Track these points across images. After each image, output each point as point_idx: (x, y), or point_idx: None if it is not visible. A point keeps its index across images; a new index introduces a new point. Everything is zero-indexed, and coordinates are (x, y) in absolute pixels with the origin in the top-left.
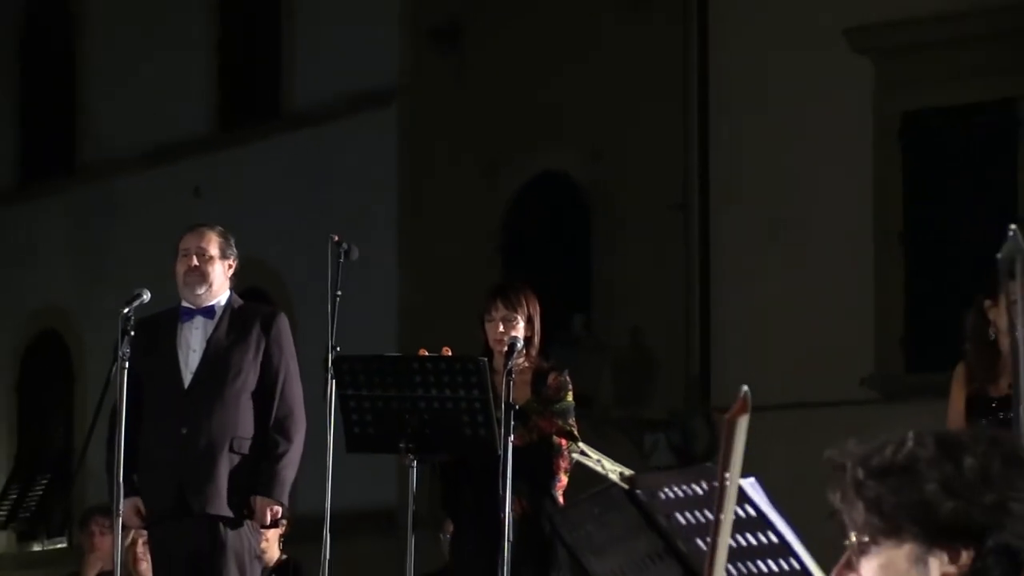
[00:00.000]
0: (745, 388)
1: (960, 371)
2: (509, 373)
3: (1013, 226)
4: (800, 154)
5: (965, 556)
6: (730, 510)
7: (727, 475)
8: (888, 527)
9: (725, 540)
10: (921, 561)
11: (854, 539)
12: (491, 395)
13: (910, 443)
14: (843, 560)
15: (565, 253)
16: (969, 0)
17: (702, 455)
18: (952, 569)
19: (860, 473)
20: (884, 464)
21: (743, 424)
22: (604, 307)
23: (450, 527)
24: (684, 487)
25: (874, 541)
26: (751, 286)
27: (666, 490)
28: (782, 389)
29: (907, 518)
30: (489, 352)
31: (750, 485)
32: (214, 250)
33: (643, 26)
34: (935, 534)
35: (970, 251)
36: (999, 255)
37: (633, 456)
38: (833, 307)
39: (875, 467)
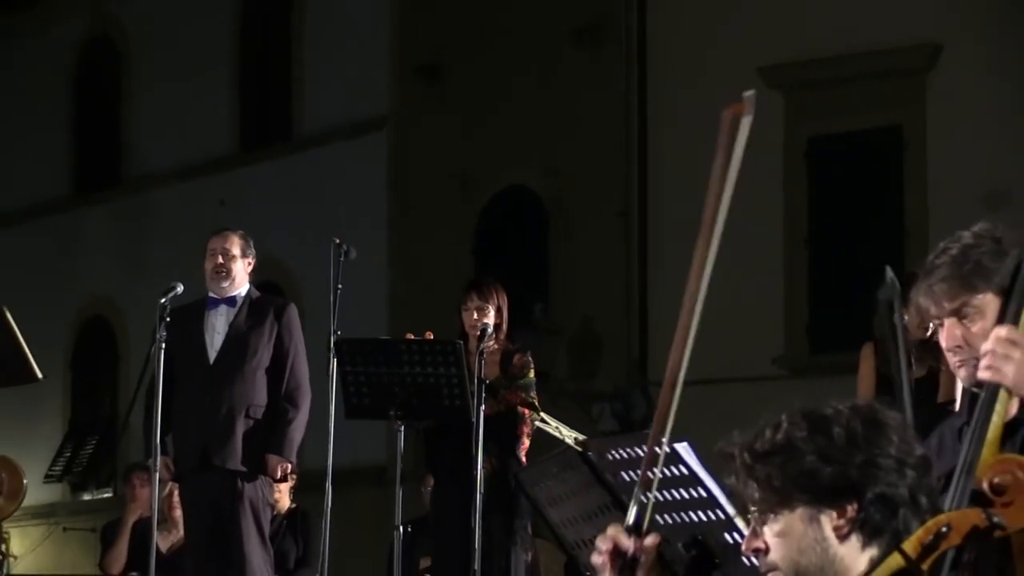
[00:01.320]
0: (750, 92)
1: (868, 350)
2: (481, 354)
3: (889, 270)
4: None
5: (850, 510)
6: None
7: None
8: (781, 499)
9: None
10: (814, 520)
11: (754, 512)
12: (466, 372)
13: (785, 424)
14: (749, 530)
15: (527, 252)
16: (864, 43)
17: (640, 422)
18: (841, 522)
19: (747, 458)
20: (767, 447)
21: (745, 124)
22: (560, 297)
23: (430, 481)
24: (627, 449)
25: (771, 511)
26: (681, 280)
27: (612, 452)
28: (707, 367)
29: (795, 488)
30: (464, 336)
31: (683, 448)
32: (236, 250)
33: (592, 64)
34: (821, 497)
35: (865, 253)
36: (878, 295)
37: (584, 423)
38: (750, 299)
39: (759, 451)
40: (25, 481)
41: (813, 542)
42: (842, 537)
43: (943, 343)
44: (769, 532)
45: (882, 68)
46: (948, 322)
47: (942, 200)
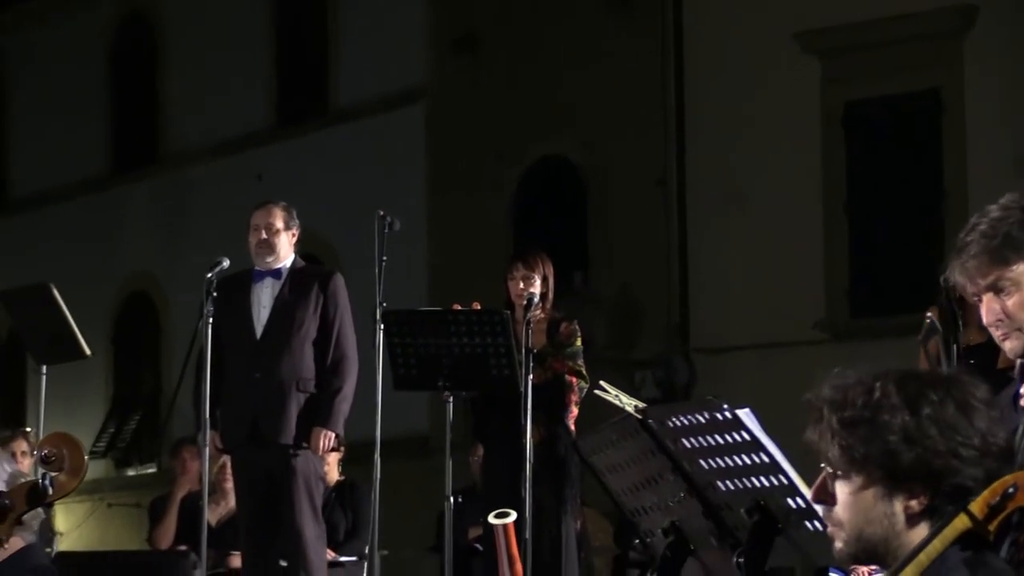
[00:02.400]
0: None
1: (931, 314)
2: (528, 323)
3: (930, 314)
4: (760, 137)
5: (923, 497)
6: None
7: None
8: (858, 469)
9: None
10: (886, 497)
11: (830, 468)
12: (513, 341)
13: (877, 393)
14: (819, 481)
15: (565, 222)
16: (899, 6)
17: (682, 388)
18: (912, 504)
19: (834, 422)
20: (855, 416)
21: None
22: (599, 266)
23: (479, 451)
24: (689, 416)
25: (847, 474)
26: (720, 247)
27: (674, 419)
28: (748, 332)
29: (874, 465)
30: (511, 305)
31: (745, 414)
32: (279, 223)
33: (626, 34)
34: (897, 478)
35: (904, 218)
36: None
37: (625, 390)
38: (789, 264)
39: (847, 418)
40: (86, 457)
41: (882, 515)
42: (910, 518)
43: (984, 319)
44: (840, 489)
45: (918, 31)
46: (986, 298)
47: (980, 163)
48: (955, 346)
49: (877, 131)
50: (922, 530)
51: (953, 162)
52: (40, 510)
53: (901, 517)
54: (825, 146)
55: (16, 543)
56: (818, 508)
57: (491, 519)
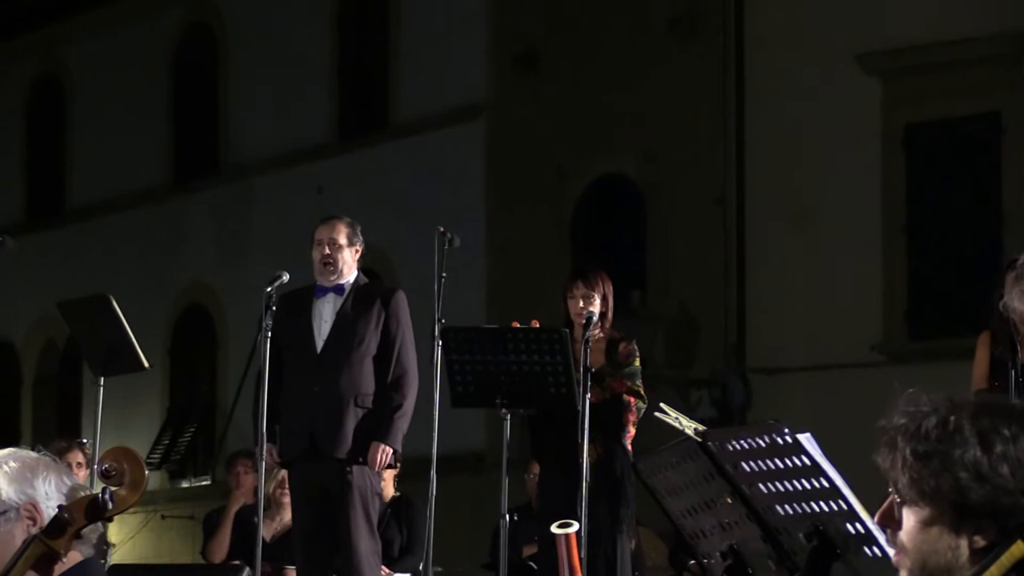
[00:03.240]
0: None
1: (984, 337)
2: (587, 342)
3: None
4: (820, 158)
5: (990, 531)
6: None
7: None
8: (928, 501)
9: None
10: (953, 531)
11: (897, 495)
12: (571, 360)
13: (950, 426)
14: (885, 505)
15: (624, 239)
16: (960, 30)
17: (739, 408)
18: (979, 539)
19: (907, 452)
20: (928, 449)
21: None
22: (657, 284)
23: (535, 469)
24: (749, 440)
25: (915, 504)
26: (778, 268)
27: (734, 442)
28: (805, 353)
29: (943, 498)
30: (570, 324)
31: (806, 439)
32: (343, 239)
33: (688, 53)
34: (966, 514)
35: (963, 240)
36: None
37: (682, 409)
38: (848, 285)
39: (920, 451)
40: (147, 472)
41: (947, 548)
42: (974, 552)
43: None
44: (907, 517)
45: (979, 55)
46: None
47: None
48: (1013, 370)
49: (937, 153)
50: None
51: (1012, 185)
52: (99, 524)
53: (966, 551)
54: (885, 168)
55: (75, 557)
56: (880, 532)
57: (554, 529)
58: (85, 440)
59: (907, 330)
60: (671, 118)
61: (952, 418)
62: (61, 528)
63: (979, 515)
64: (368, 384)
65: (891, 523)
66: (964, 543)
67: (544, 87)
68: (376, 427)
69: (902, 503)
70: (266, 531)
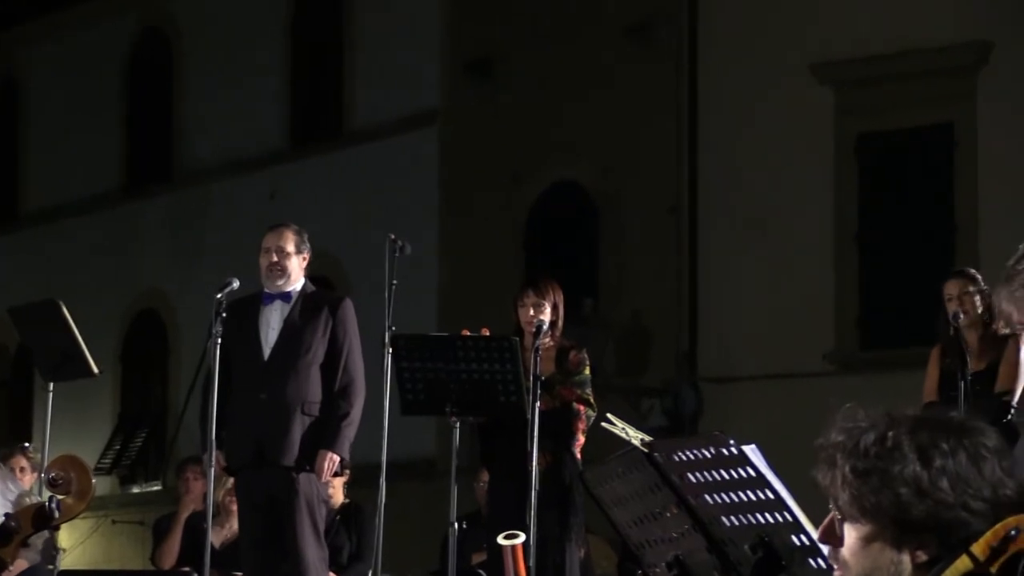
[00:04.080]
0: None
1: (935, 352)
2: (536, 350)
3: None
4: (773, 167)
5: (932, 546)
6: None
7: None
8: (868, 517)
9: None
10: (894, 547)
11: (838, 511)
12: (521, 368)
13: (889, 442)
14: (826, 522)
15: (577, 247)
16: (913, 41)
17: (689, 417)
18: (921, 554)
19: (847, 470)
20: (867, 466)
21: None
22: (609, 293)
23: (484, 476)
24: (695, 451)
25: (855, 521)
26: (731, 276)
27: (679, 453)
28: (757, 362)
29: (884, 515)
30: (520, 332)
31: (751, 450)
32: (291, 247)
33: (642, 61)
34: (907, 529)
35: (915, 250)
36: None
37: (632, 418)
38: (799, 294)
39: (859, 468)
40: (94, 481)
41: (889, 563)
42: (917, 567)
43: None
44: (848, 534)
45: (933, 66)
46: None
47: (992, 197)
48: (963, 382)
49: (890, 164)
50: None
51: (965, 196)
52: (45, 531)
53: (908, 566)
54: (838, 178)
55: (20, 564)
56: (824, 548)
57: (500, 540)
58: (28, 445)
59: (859, 339)
60: (625, 126)
61: (890, 434)
62: (7, 536)
63: (921, 530)
64: (315, 392)
65: (832, 539)
66: (906, 558)
67: (498, 94)
68: (323, 435)
69: (843, 519)
70: (216, 538)
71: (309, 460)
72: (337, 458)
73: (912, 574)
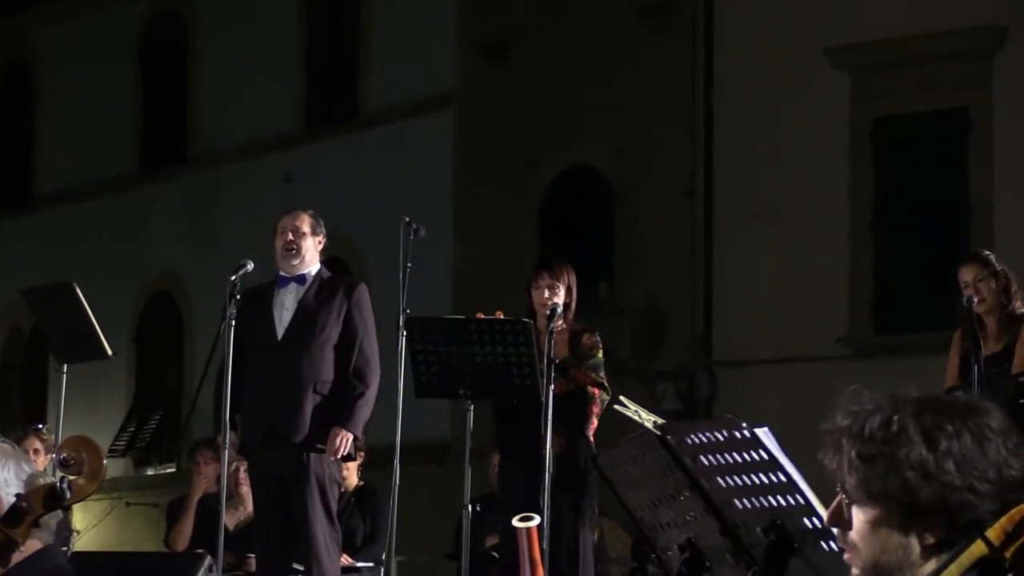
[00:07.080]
0: None
1: (956, 337)
2: (551, 333)
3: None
4: (788, 151)
5: (939, 529)
6: None
7: None
8: (875, 501)
9: None
10: (902, 530)
11: (845, 495)
12: (535, 351)
13: (894, 426)
14: (834, 505)
15: (592, 231)
16: (929, 24)
17: (704, 401)
18: (929, 537)
19: (853, 455)
20: (873, 451)
21: None
22: (624, 277)
23: (497, 459)
24: (708, 434)
25: (863, 504)
26: (746, 260)
27: (692, 436)
28: (772, 347)
29: (891, 498)
30: (533, 314)
31: (763, 433)
32: (306, 228)
33: (658, 45)
34: (915, 513)
35: (930, 235)
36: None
37: (647, 401)
38: (814, 279)
39: (865, 453)
40: (105, 462)
41: (897, 546)
42: (925, 549)
43: None
44: (856, 517)
45: (948, 50)
46: None
47: (1007, 181)
48: (976, 365)
49: (905, 148)
50: (936, 562)
51: (980, 181)
52: (59, 512)
53: (916, 549)
54: (853, 162)
55: (33, 545)
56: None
57: (515, 522)
58: (41, 426)
59: (873, 324)
60: (641, 110)
61: (896, 417)
62: (19, 517)
63: (928, 513)
64: (328, 371)
65: (841, 523)
66: (914, 541)
67: (514, 77)
68: (336, 414)
69: (851, 503)
70: (229, 520)
71: (320, 439)
72: (350, 436)
73: (920, 556)
